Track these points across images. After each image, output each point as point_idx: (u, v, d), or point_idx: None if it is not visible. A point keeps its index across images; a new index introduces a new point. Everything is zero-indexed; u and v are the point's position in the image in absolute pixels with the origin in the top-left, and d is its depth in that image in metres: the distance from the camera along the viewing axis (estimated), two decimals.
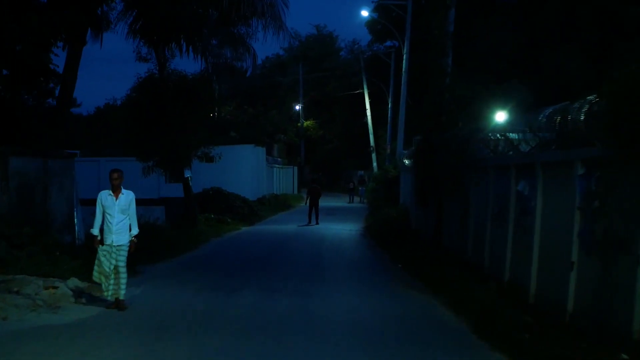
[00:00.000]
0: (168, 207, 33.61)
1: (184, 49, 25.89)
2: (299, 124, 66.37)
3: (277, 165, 52.13)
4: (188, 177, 27.48)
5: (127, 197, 11.38)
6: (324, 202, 50.67)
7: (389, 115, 51.52)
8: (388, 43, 57.79)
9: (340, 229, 28.58)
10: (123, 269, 11.23)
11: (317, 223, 31.65)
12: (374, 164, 55.84)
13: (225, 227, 28.10)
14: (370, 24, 55.35)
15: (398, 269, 16.63)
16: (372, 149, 56.48)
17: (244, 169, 40.85)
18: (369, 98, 56.74)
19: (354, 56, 67.25)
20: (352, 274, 15.81)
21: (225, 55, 26.23)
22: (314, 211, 32.13)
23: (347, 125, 67.45)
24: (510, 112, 16.35)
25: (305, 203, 33.29)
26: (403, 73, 39.02)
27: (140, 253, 17.28)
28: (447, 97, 20.54)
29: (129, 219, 11.38)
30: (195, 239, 22.69)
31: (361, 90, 57.26)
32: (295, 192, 59.05)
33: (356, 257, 19.52)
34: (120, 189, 11.37)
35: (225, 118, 55.42)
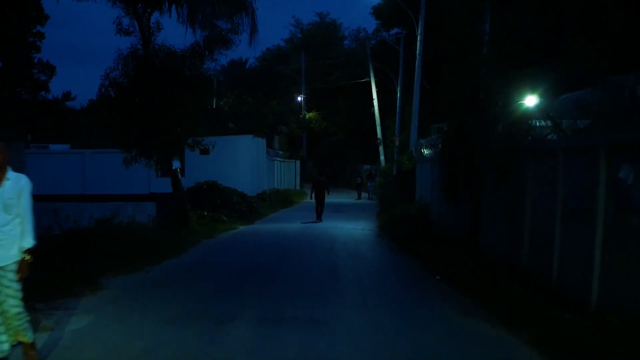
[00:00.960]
0: (160, 204, 30.16)
1: (169, 13, 22.53)
2: (302, 116, 62.81)
3: (278, 159, 48.67)
4: (176, 169, 24.02)
5: (14, 184, 7.10)
6: (329, 198, 47.42)
7: (397, 105, 48.01)
8: (395, 30, 54.50)
9: (352, 228, 25.14)
10: (15, 305, 7.07)
11: (319, 219, 28.44)
12: (381, 157, 52.37)
13: (220, 227, 24.66)
14: (378, 9, 51.96)
15: (436, 281, 13.09)
16: (379, 141, 52.96)
17: (243, 161, 37.42)
18: (376, 87, 53.19)
19: (359, 44, 63.75)
20: (382, 291, 12.19)
21: (219, 26, 22.65)
22: (319, 207, 28.97)
23: (352, 116, 63.94)
24: (540, 97, 13.98)
25: (311, 197, 29.91)
26: (417, 56, 35.52)
27: (110, 259, 13.98)
28: (485, 71, 17.13)
29: (20, 221, 7.13)
30: (183, 241, 19.25)
31: (367, 79, 53.68)
32: (298, 187, 55.55)
33: (379, 264, 16.01)
34: (4, 171, 7.14)
35: (224, 109, 52.06)
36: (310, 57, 68.53)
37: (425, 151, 25.72)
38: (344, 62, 65.17)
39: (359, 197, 43.75)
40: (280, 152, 50.12)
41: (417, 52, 35.29)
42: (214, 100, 54.28)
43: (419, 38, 35.05)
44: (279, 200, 39.05)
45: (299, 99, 66.31)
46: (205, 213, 26.15)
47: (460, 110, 16.92)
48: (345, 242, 20.21)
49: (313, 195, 29.34)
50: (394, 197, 30.94)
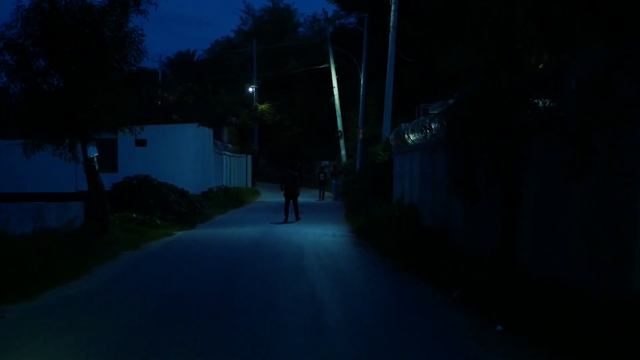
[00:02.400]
0: (88, 203, 24.58)
1: None
2: (254, 107, 57.22)
3: (227, 153, 43.16)
4: (93, 159, 18.40)
5: None
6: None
7: (361, 93, 42.98)
8: (352, 20, 49.79)
9: (320, 233, 19.85)
10: None
11: (297, 218, 24.49)
12: (342, 152, 47.27)
13: (150, 233, 19.18)
14: None
15: (497, 334, 7.77)
16: (339, 134, 47.81)
17: (186, 154, 31.95)
18: (336, 76, 47.98)
19: (316, 32, 58.70)
20: None
21: None
22: (291, 205, 25.01)
23: (309, 109, 58.70)
24: None
25: (282, 188, 25.95)
26: (391, 28, 30.50)
27: None
28: (520, 10, 12.17)
29: None
30: (92, 255, 13.73)
31: (326, 65, 48.47)
32: (249, 185, 50.02)
33: (381, 297, 10.53)
34: None
35: (168, 100, 46.42)
36: (262, 46, 63.34)
37: (412, 137, 20.57)
38: (300, 50, 60.22)
39: (322, 197, 38.45)
40: (229, 145, 44.61)
41: (391, 24, 30.31)
42: (159, 91, 48.85)
43: (392, 7, 29.92)
44: (228, 199, 33.59)
45: (251, 89, 60.82)
46: (134, 215, 20.63)
47: (490, 65, 11.80)
48: (317, 254, 14.91)
49: (284, 192, 25.39)
50: (365, 195, 25.72)
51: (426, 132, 18.53)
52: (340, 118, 47.76)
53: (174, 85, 57.53)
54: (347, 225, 22.89)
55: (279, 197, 41.64)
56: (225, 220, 25.57)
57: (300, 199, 36.94)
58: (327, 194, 40.91)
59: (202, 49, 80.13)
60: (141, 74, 23.10)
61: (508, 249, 11.53)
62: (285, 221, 24.20)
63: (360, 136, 43.00)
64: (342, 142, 47.63)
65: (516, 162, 11.10)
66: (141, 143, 32.34)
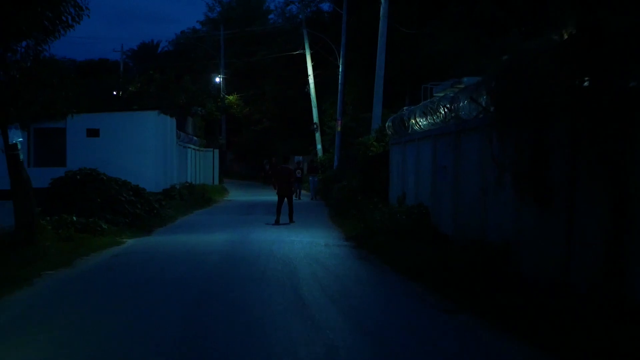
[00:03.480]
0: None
1: None
2: (220, 99, 52.79)
3: (192, 146, 38.85)
4: (15, 145, 14.09)
5: None
6: (258, 195, 38.21)
7: (339, 81, 39.13)
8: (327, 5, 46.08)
9: (309, 242, 15.71)
10: None
11: (290, 220, 20.75)
12: (318, 146, 43.38)
13: (93, 242, 14.93)
14: None
15: None
16: (315, 126, 43.86)
17: (145, 145, 27.69)
18: (311, 63, 43.97)
19: (288, 18, 54.66)
20: None
21: None
22: (285, 204, 21.18)
23: (281, 101, 54.50)
24: None
25: (273, 186, 22.09)
26: (382, 2, 26.42)
27: None
28: None
29: None
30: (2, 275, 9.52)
31: (301, 51, 44.42)
32: (217, 182, 45.70)
33: None
34: None
35: (129, 91, 41.97)
36: (231, 31, 59.05)
37: (421, 122, 16.62)
38: (270, 38, 56.08)
39: (298, 196, 34.30)
40: (195, 138, 40.28)
41: None
42: (120, 82, 44.60)
43: None
44: (193, 198, 29.34)
45: (218, 79, 56.49)
46: (74, 219, 16.35)
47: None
48: (315, 276, 10.78)
49: (277, 189, 21.63)
50: (354, 194, 21.64)
51: (444, 114, 14.61)
52: (316, 109, 43.79)
53: (136, 77, 53.14)
54: (337, 230, 18.83)
55: (249, 196, 38.02)
56: (190, 223, 21.36)
57: (272, 198, 32.99)
58: (303, 192, 36.72)
59: (167, 40, 75.73)
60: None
61: (615, 276, 7.63)
62: (277, 223, 20.48)
63: (339, 128, 39.12)
64: (317, 135, 43.68)
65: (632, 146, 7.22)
66: (93, 133, 28.09)
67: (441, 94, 16.89)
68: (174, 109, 33.80)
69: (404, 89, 35.04)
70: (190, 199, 28.67)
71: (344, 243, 15.77)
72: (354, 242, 15.60)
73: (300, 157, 51.33)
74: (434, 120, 15.60)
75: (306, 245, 14.96)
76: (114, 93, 43.20)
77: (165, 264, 12.17)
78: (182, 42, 69.38)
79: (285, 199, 21.05)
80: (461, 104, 13.19)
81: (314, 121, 43.65)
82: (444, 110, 14.49)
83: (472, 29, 31.38)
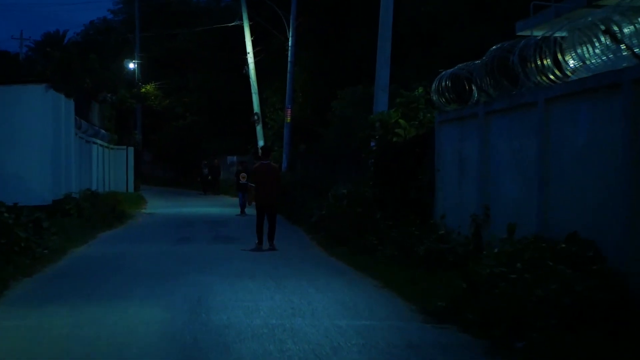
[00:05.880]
0: None
1: None
2: (135, 89, 43.24)
3: (99, 141, 29.51)
4: None
5: None
6: (187, 206, 29.00)
7: (289, 59, 30.79)
8: None
9: (368, 344, 6.82)
10: None
11: (271, 246, 14.10)
12: (260, 143, 34.73)
13: None
14: None
15: None
16: (256, 117, 35.24)
17: (25, 135, 18.74)
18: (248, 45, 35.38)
19: None
20: None
21: None
22: (266, 221, 14.35)
23: (208, 92, 45.69)
24: None
25: (249, 203, 17.04)
26: None
27: None
28: None
29: None
30: None
31: (239, 22, 35.68)
32: (131, 189, 36.16)
33: None
34: None
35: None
36: (148, 14, 50.23)
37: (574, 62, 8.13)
38: (194, 18, 47.70)
39: (243, 210, 24.83)
40: (103, 131, 30.91)
41: None
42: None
43: None
44: (98, 212, 19.98)
45: (132, 65, 47.02)
46: None
47: None
48: None
49: (250, 195, 15.60)
50: (370, 208, 12.94)
51: None
52: (257, 95, 35.07)
53: (39, 69, 43.33)
54: (368, 280, 10.12)
55: (175, 207, 27.64)
56: (84, 264, 12.16)
57: (208, 209, 24.31)
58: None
59: (75, 32, 67.33)
60: None
61: None
62: (260, 247, 14.09)
63: (288, 119, 30.70)
64: (259, 128, 35.08)
65: None
66: None
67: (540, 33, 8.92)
68: (74, 89, 24.54)
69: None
70: (93, 214, 19.45)
71: (429, 324, 7.20)
72: (459, 326, 7.05)
73: (234, 158, 42.57)
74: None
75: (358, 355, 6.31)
76: None
77: None
78: (91, 33, 62.18)
79: (270, 209, 14.16)
80: None
81: (255, 111, 35.08)
82: None
83: None
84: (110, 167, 33.08)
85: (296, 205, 20.31)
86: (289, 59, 30.91)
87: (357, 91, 22.01)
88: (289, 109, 30.85)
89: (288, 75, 30.70)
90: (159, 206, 28.36)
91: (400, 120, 13.22)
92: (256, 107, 35.07)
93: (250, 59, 34.70)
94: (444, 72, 11.44)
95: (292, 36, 30.64)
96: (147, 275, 10.51)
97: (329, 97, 25.78)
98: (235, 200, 26.37)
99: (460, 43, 22.02)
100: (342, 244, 13.03)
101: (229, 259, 12.30)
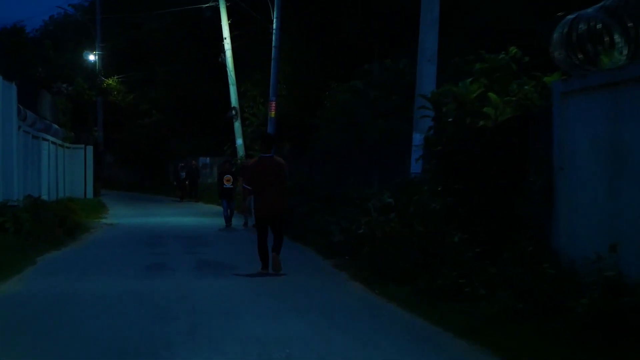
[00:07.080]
0: None
1: None
2: (97, 78, 38.55)
3: (51, 138, 24.93)
4: None
5: None
6: (155, 215, 24.49)
7: (273, 44, 26.64)
8: None
9: None
10: None
11: (275, 265, 10.57)
12: (239, 141, 30.66)
13: None
14: None
15: None
16: (234, 112, 31.01)
17: None
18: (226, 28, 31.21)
19: None
20: None
21: None
22: (270, 234, 10.77)
23: (177, 87, 41.34)
24: None
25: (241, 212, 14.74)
26: None
27: None
28: None
29: None
30: None
31: (213, 3, 31.39)
32: (90, 194, 31.53)
33: None
34: None
35: None
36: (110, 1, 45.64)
37: None
38: (160, 5, 43.44)
39: (229, 223, 19.95)
40: (56, 126, 26.37)
41: None
42: None
43: None
44: (43, 225, 15.49)
45: (92, 57, 42.26)
46: None
47: None
48: None
49: (244, 202, 12.50)
50: (438, 225, 8.75)
51: None
52: (235, 87, 30.81)
53: None
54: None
55: (141, 215, 23.00)
56: (3, 321, 7.89)
57: (185, 222, 20.21)
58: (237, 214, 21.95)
59: (34, 29, 63.09)
60: None
61: None
62: (266, 269, 10.78)
63: (272, 113, 26.45)
64: (237, 125, 30.82)
65: None
66: None
67: None
68: (18, 76, 20.12)
69: (371, 54, 24.77)
70: (36, 228, 14.95)
71: None
72: None
73: (207, 159, 38.23)
74: None
75: None
76: None
77: None
78: (51, 29, 58.81)
79: (274, 221, 10.90)
80: None
81: (233, 105, 30.75)
82: None
83: None
84: (66, 169, 28.48)
85: (295, 216, 16.02)
86: (273, 43, 26.64)
87: (374, 69, 17.93)
88: (274, 102, 26.63)
89: (272, 62, 26.45)
90: (123, 215, 23.82)
91: (491, 94, 8.94)
92: (234, 100, 30.86)
93: (227, 45, 30.45)
94: (575, 15, 7.27)
95: (276, 17, 26.39)
96: (102, 356, 6.17)
97: (316, 92, 22.99)
98: (215, 208, 21.75)
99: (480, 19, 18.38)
100: (399, 280, 8.79)
101: (233, 310, 7.96)
